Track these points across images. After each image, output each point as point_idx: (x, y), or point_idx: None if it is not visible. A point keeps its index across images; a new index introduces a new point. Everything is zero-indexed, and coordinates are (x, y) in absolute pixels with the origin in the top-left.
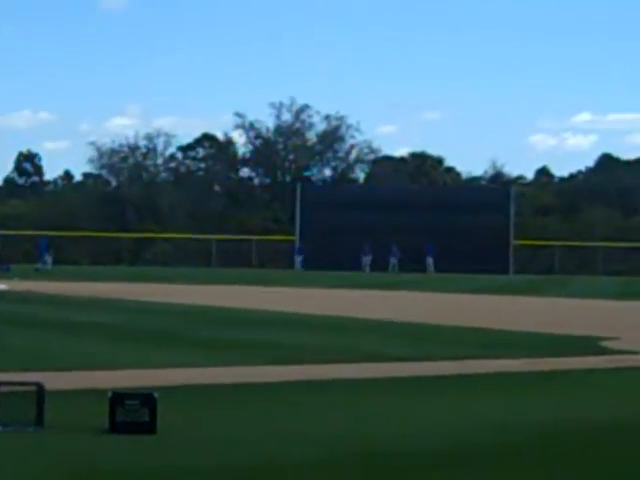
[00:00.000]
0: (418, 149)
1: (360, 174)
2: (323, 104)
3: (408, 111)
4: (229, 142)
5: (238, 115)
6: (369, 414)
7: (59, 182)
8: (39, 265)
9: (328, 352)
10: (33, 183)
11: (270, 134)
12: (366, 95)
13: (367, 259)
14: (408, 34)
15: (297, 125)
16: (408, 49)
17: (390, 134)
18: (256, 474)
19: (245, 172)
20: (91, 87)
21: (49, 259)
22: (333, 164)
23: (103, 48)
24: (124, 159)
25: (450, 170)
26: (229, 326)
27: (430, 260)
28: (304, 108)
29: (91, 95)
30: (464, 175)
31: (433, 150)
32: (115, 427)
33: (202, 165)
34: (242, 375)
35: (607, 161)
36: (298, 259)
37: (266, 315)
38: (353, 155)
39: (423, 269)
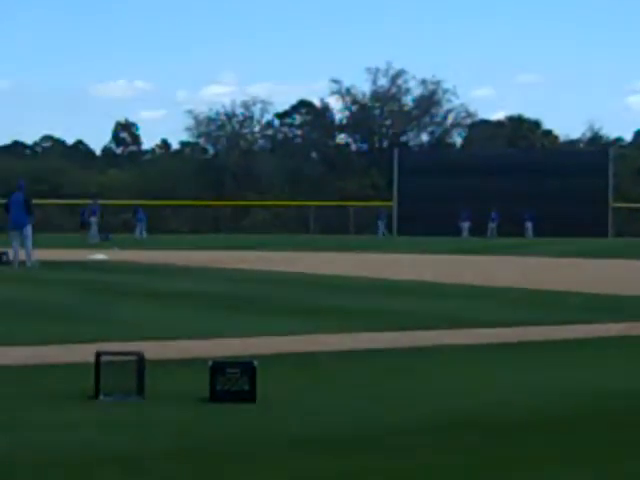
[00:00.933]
0: (515, 112)
1: (457, 139)
2: (419, 68)
3: (504, 74)
4: (325, 108)
5: (334, 81)
6: (470, 381)
7: (157, 151)
8: (137, 234)
9: (427, 318)
10: (131, 152)
11: (366, 99)
12: (461, 59)
13: (465, 224)
14: None
15: (393, 90)
16: (501, 12)
17: (486, 98)
18: (357, 442)
19: (342, 138)
20: (186, 55)
21: (141, 228)
22: (430, 129)
23: (196, 17)
24: (221, 127)
25: (548, 133)
26: (327, 293)
27: (529, 224)
28: (400, 73)
29: (186, 63)
30: (562, 138)
31: (530, 113)
32: (215, 396)
33: (299, 132)
34: (341, 342)
35: None
36: (381, 225)
37: (364, 282)
38: (450, 120)
39: (522, 233)
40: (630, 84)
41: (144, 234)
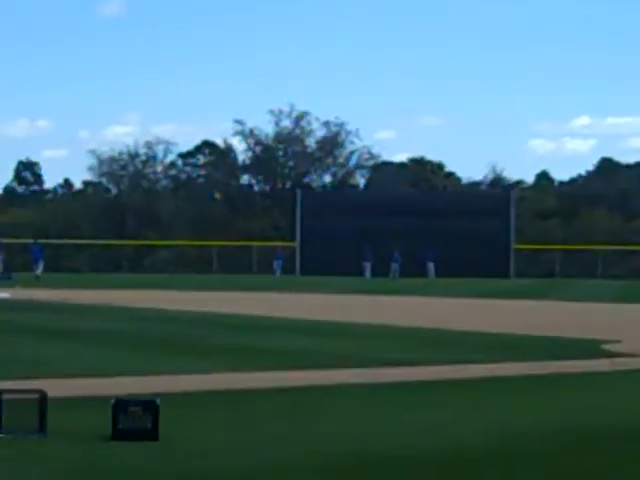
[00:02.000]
0: (417, 154)
1: (360, 180)
2: (322, 110)
3: (406, 117)
4: (229, 149)
5: (238, 122)
6: (367, 419)
7: (59, 190)
8: (37, 272)
9: (329, 357)
10: (33, 192)
11: (270, 141)
12: (364, 101)
13: (368, 264)
14: (406, 40)
15: (296, 131)
16: (406, 54)
17: (389, 140)
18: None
19: (245, 179)
20: (89, 95)
21: (40, 266)
22: (333, 170)
23: (100, 55)
24: (124, 167)
25: (450, 175)
26: (230, 332)
27: (431, 265)
28: (303, 114)
29: (89, 103)
30: (464, 180)
31: (432, 155)
32: (118, 434)
33: (202, 172)
34: (244, 381)
35: (607, 165)
36: (277, 264)
37: (267, 321)
38: (353, 161)
39: (424, 274)
40: (532, 127)
41: (40, 271)
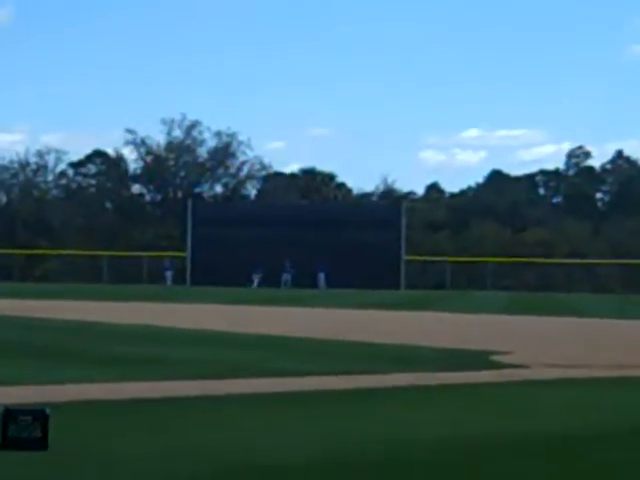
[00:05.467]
0: (308, 165)
1: (251, 190)
2: (214, 120)
3: (297, 127)
4: (120, 158)
5: (129, 131)
6: (251, 429)
7: None
8: None
9: (217, 367)
10: None
11: (161, 150)
12: (255, 111)
13: (256, 276)
14: (296, 50)
15: (188, 141)
16: (296, 64)
17: (280, 150)
18: None
19: (136, 188)
20: None
21: None
22: (224, 180)
23: None
24: (14, 175)
25: (341, 186)
26: (119, 341)
27: (321, 275)
28: (195, 124)
29: None
30: (355, 191)
31: (323, 166)
32: (7, 443)
33: (93, 182)
34: (134, 390)
35: (496, 177)
36: (168, 275)
37: (157, 330)
38: (244, 172)
39: (315, 285)
40: (422, 139)
41: None
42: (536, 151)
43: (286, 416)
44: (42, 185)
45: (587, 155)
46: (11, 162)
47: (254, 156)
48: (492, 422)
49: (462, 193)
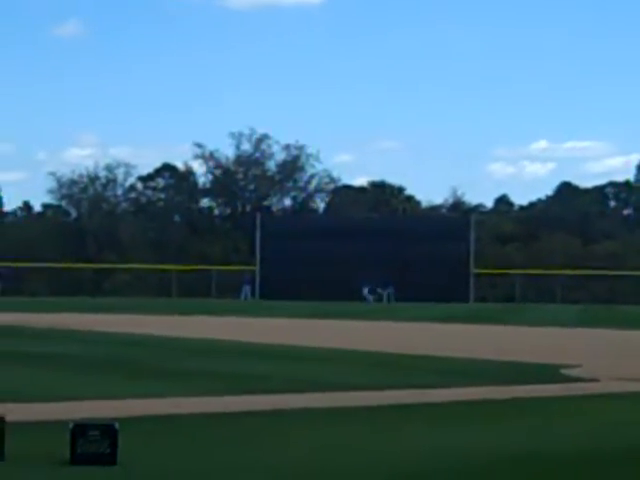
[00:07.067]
0: (377, 178)
1: (320, 204)
2: (283, 133)
3: (366, 140)
4: (189, 172)
5: (197, 145)
6: (326, 444)
7: (18, 213)
8: None
9: (287, 382)
10: None
11: (230, 164)
12: (324, 124)
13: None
14: (366, 63)
15: (257, 155)
16: (365, 78)
17: (348, 163)
18: None
19: (205, 202)
20: (46, 116)
21: None
22: (293, 194)
23: (56, 76)
24: (84, 189)
25: (410, 199)
26: (190, 356)
27: (391, 289)
28: (263, 138)
29: (46, 124)
30: (424, 204)
31: (392, 179)
32: (76, 459)
33: (162, 195)
34: (204, 405)
35: (566, 189)
36: (246, 289)
37: (227, 345)
38: (313, 185)
39: (381, 299)
40: (491, 151)
41: None
42: (605, 163)
43: (355, 432)
44: (111, 199)
45: None
46: (81, 176)
47: (323, 169)
48: (570, 437)
49: (531, 205)
